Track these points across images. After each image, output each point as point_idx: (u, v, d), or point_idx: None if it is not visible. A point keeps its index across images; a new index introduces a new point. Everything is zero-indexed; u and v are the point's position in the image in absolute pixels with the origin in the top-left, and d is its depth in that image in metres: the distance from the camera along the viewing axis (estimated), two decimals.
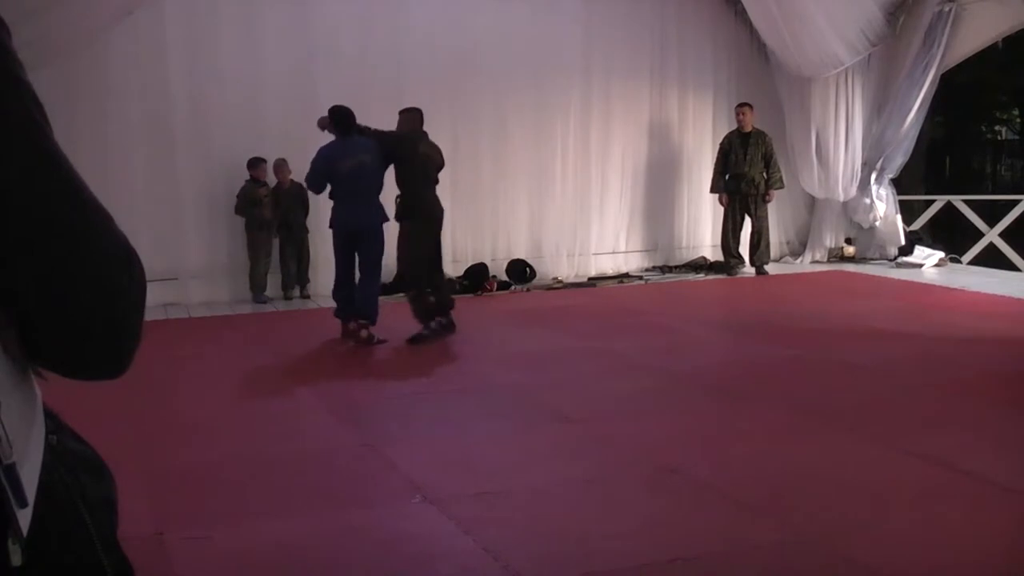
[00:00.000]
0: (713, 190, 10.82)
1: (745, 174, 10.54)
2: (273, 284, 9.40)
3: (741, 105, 10.70)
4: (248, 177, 9.12)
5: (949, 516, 3.78)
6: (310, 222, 9.44)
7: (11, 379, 0.90)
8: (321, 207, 9.57)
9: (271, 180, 9.31)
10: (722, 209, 10.83)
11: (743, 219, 10.73)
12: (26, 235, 0.86)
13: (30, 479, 0.89)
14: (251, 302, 9.22)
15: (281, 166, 9.23)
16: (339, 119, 7.25)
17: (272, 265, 9.39)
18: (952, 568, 3.37)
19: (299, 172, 9.33)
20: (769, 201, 10.69)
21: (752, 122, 10.61)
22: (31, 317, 0.89)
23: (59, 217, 0.87)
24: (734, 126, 10.78)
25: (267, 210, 9.15)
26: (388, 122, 9.79)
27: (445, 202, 10.14)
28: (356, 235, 7.28)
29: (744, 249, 10.86)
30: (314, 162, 7.29)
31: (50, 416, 1.00)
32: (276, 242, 9.39)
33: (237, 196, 9.12)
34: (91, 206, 0.91)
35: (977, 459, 4.37)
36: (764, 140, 10.58)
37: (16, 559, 0.87)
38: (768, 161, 10.57)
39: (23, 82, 0.89)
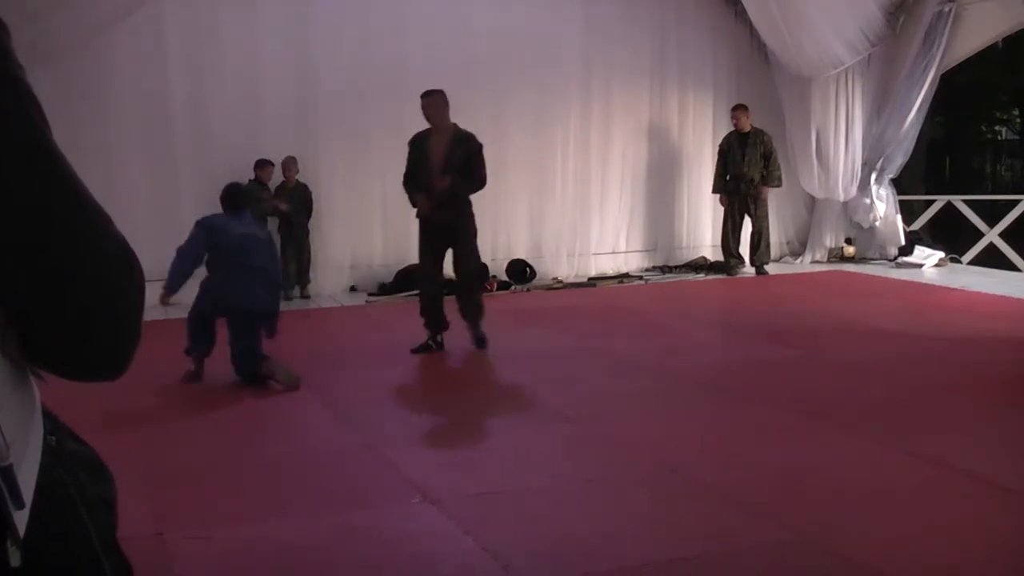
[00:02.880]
0: (715, 191, 10.82)
1: (745, 174, 10.53)
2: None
3: (736, 107, 10.69)
4: (253, 177, 9.11)
5: (949, 516, 3.78)
6: (313, 222, 9.46)
7: (9, 380, 0.90)
8: (324, 208, 9.61)
9: (276, 181, 9.30)
10: (722, 209, 10.83)
11: (743, 219, 10.73)
12: (25, 236, 0.86)
13: (28, 480, 0.89)
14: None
15: (290, 164, 9.23)
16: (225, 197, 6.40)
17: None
18: (952, 568, 3.37)
19: (300, 173, 9.38)
20: (763, 198, 10.64)
21: (749, 122, 10.60)
22: (30, 318, 0.89)
23: (58, 218, 0.87)
24: (733, 125, 10.77)
25: (280, 203, 9.11)
26: (388, 122, 9.84)
27: None
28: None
29: (744, 249, 10.86)
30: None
31: (49, 416, 1.00)
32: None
33: None
34: (90, 207, 0.91)
35: (977, 459, 4.37)
36: (763, 139, 10.58)
37: (15, 560, 0.87)
38: (767, 159, 10.57)
39: (22, 83, 0.89)
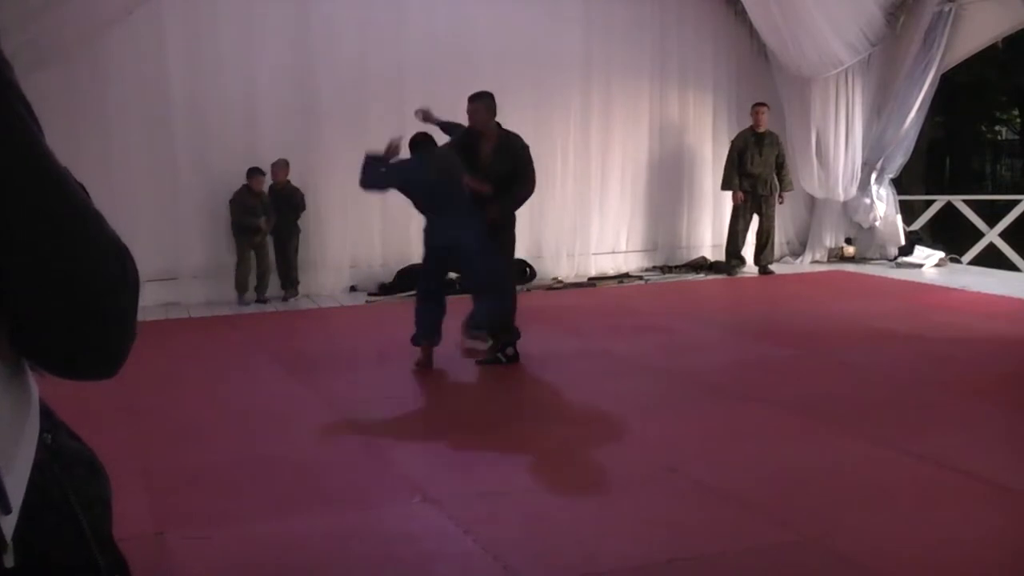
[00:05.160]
0: (726, 187, 10.71)
1: (760, 175, 10.53)
2: (273, 284, 9.39)
3: (759, 105, 10.63)
4: (245, 183, 9.08)
5: (949, 516, 3.78)
6: (314, 223, 9.45)
7: (1, 381, 0.90)
8: (324, 208, 9.60)
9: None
10: (723, 208, 10.82)
11: (752, 218, 10.73)
12: (16, 237, 0.86)
13: (19, 482, 0.89)
14: (253, 302, 9.20)
15: (282, 167, 9.21)
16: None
17: (271, 266, 9.37)
18: (952, 568, 3.37)
19: (298, 175, 9.37)
20: (782, 203, 10.70)
21: (767, 122, 10.59)
22: (23, 318, 0.89)
23: (49, 218, 0.87)
24: (734, 126, 10.76)
25: (259, 220, 9.08)
26: (389, 121, 9.83)
27: None
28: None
29: (747, 249, 10.85)
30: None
31: (46, 414, 1.00)
32: (270, 244, 9.38)
33: (230, 202, 9.07)
34: (82, 207, 0.91)
35: (977, 459, 4.37)
36: (777, 142, 10.58)
37: (8, 561, 0.87)
38: (781, 163, 10.57)
39: (11, 83, 0.89)
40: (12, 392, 0.92)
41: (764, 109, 10.60)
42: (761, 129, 10.57)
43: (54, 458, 0.98)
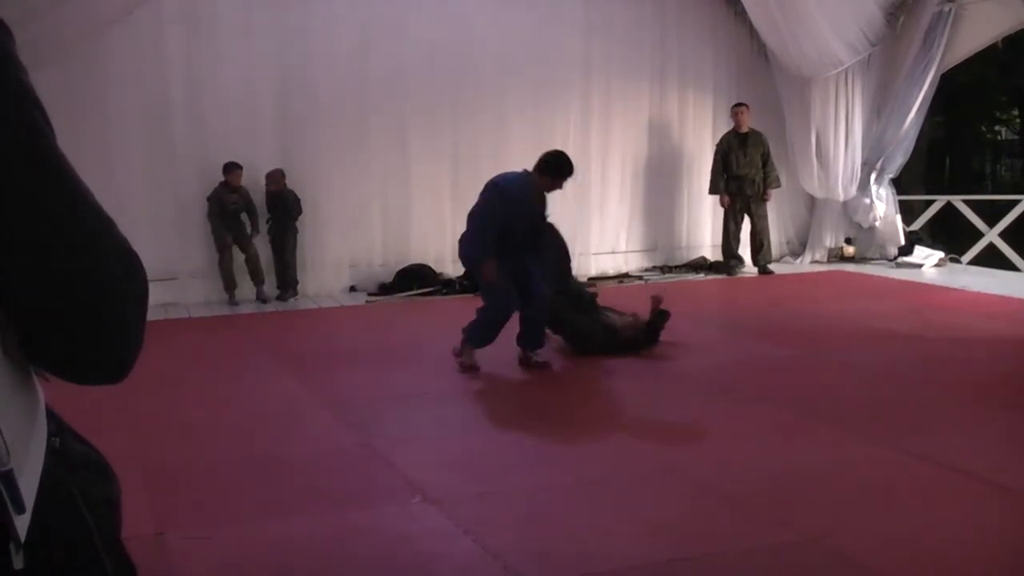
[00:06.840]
0: (713, 191, 10.78)
1: (746, 175, 10.53)
2: (271, 285, 9.38)
3: (738, 105, 10.67)
4: (222, 180, 9.05)
5: (949, 516, 3.78)
6: (314, 223, 9.44)
7: (12, 383, 0.90)
8: (324, 208, 9.59)
9: (255, 186, 9.25)
10: (722, 209, 10.82)
11: (743, 220, 10.73)
12: (27, 239, 0.86)
13: (30, 483, 0.89)
14: (251, 301, 9.20)
15: (277, 179, 9.18)
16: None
17: (262, 265, 9.34)
18: (952, 568, 3.37)
19: (298, 175, 9.37)
20: (767, 200, 10.68)
21: (748, 123, 10.60)
22: (32, 320, 0.89)
23: (60, 222, 0.88)
24: (733, 126, 10.76)
25: (234, 211, 9.06)
26: (389, 122, 9.85)
27: (444, 202, 10.23)
28: None
29: (744, 250, 10.85)
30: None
31: (52, 417, 1.00)
32: (265, 244, 9.36)
33: (208, 199, 9.05)
34: (92, 211, 0.91)
35: (977, 459, 4.37)
36: (762, 140, 10.58)
37: (17, 563, 0.87)
38: (765, 161, 10.58)
39: (26, 86, 0.89)
40: (22, 395, 0.92)
41: (744, 109, 10.60)
42: (743, 130, 10.57)
43: (61, 461, 0.98)
